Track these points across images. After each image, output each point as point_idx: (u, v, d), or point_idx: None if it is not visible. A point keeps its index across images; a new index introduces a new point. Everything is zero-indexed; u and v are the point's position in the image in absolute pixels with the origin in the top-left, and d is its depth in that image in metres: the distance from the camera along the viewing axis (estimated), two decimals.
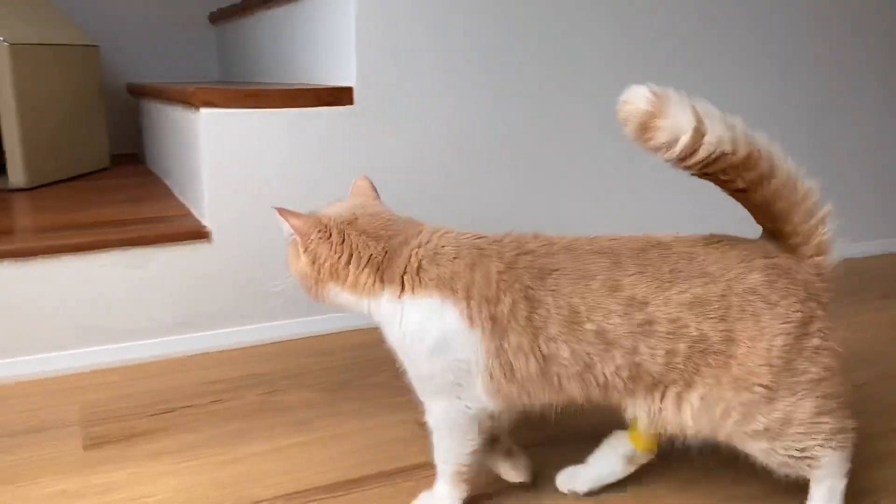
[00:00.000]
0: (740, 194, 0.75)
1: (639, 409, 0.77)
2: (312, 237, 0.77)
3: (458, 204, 1.45)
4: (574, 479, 0.88)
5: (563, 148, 1.53)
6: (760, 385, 0.73)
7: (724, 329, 0.73)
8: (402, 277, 0.76)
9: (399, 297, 0.76)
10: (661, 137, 0.67)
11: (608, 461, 0.87)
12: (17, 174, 1.65)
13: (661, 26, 1.56)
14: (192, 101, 1.25)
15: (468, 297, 0.74)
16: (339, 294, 0.78)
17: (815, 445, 0.76)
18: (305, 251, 0.77)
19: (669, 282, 0.73)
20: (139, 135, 2.27)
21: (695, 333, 0.72)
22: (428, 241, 0.77)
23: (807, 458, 0.77)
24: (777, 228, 0.77)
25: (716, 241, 0.78)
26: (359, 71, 1.34)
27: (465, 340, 0.74)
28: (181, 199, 1.55)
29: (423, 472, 0.92)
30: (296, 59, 1.62)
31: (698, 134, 0.67)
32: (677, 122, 0.66)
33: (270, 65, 1.85)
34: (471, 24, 1.40)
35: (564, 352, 0.73)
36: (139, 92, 2.05)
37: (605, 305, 0.73)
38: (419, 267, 0.76)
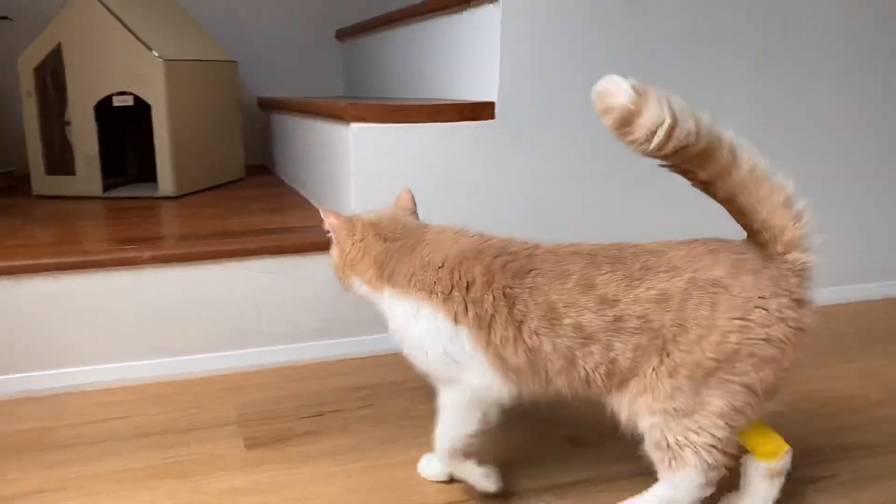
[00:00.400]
0: (705, 187, 0.76)
1: (615, 406, 0.80)
2: (343, 233, 0.89)
3: (597, 218, 1.44)
4: None
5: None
6: (701, 373, 0.74)
7: (679, 319, 0.75)
8: (399, 279, 0.85)
9: (394, 295, 0.85)
10: (639, 132, 0.69)
11: (756, 487, 0.84)
12: (166, 183, 1.75)
13: (795, 46, 1.51)
14: (343, 116, 1.30)
15: (448, 299, 0.81)
16: (360, 286, 0.89)
17: (690, 446, 0.76)
18: (337, 245, 0.90)
19: (638, 279, 0.76)
20: (267, 146, 2.36)
21: (656, 326, 0.75)
22: (426, 253, 0.85)
23: (675, 453, 0.77)
24: (746, 224, 0.77)
25: (693, 240, 0.80)
26: (501, 86, 1.36)
27: (450, 335, 0.82)
28: (317, 205, 1.60)
29: (578, 489, 0.92)
30: (432, 73, 1.66)
31: (671, 129, 0.69)
32: (655, 118, 0.68)
33: (402, 79, 1.89)
34: (612, 38, 1.39)
35: (547, 346, 0.78)
36: (272, 106, 2.14)
37: (579, 303, 0.77)
38: (413, 273, 0.84)
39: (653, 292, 0.75)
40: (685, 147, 0.70)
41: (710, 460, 0.76)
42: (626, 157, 1.44)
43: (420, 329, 0.83)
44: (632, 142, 0.70)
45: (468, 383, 0.83)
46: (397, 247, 0.87)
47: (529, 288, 0.79)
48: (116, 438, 1.06)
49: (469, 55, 1.46)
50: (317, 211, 1.57)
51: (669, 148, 0.70)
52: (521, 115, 1.38)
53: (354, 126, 1.30)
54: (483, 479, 0.90)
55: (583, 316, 0.77)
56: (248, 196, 1.81)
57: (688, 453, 0.76)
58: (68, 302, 1.20)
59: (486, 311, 0.80)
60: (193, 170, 1.83)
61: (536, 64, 1.37)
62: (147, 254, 1.23)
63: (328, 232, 0.91)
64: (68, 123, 1.79)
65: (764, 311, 0.73)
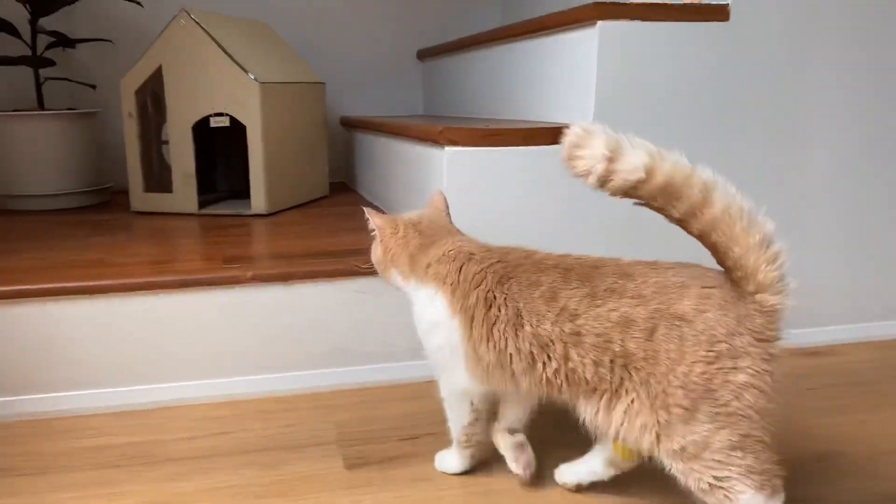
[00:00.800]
0: (681, 224, 0.79)
1: (581, 411, 0.84)
2: (387, 231, 0.99)
3: (687, 241, 1.42)
4: (562, 474, 0.99)
5: (793, 195, 1.46)
6: (677, 405, 0.77)
7: (647, 348, 0.78)
8: (421, 269, 0.95)
9: (417, 285, 0.95)
10: (580, 166, 0.76)
11: (593, 461, 0.96)
12: (259, 201, 1.80)
13: None
14: (438, 139, 1.31)
15: (453, 292, 0.90)
16: (396, 278, 0.99)
17: (732, 477, 0.77)
18: (381, 242, 1.00)
19: (602, 299, 0.81)
20: (349, 164, 2.41)
21: (618, 349, 0.79)
22: (446, 246, 0.95)
23: (722, 488, 0.78)
24: (720, 261, 0.80)
25: (668, 266, 0.83)
26: (596, 110, 1.35)
27: (448, 326, 0.91)
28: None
29: None
30: (522, 95, 1.66)
31: (611, 163, 0.75)
32: (593, 154, 0.75)
33: (487, 100, 1.90)
34: (707, 63, 1.37)
35: (511, 347, 0.85)
36: (356, 125, 2.18)
37: (540, 312, 0.84)
38: (429, 265, 0.94)
39: (615, 314, 0.80)
40: (637, 184, 0.76)
41: (752, 482, 0.78)
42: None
43: (431, 315, 0.93)
44: (577, 175, 0.77)
45: (455, 374, 0.93)
46: (427, 242, 0.97)
47: (505, 294, 0.87)
48: (221, 454, 1.09)
49: (563, 78, 1.46)
50: None
51: (617, 184, 0.76)
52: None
53: (449, 149, 1.31)
54: (511, 463, 1.00)
55: (542, 325, 0.83)
56: (335, 214, 1.84)
57: (733, 485, 0.78)
58: (173, 318, 1.24)
59: (470, 308, 0.89)
60: (283, 188, 1.88)
61: (631, 89, 1.36)
62: (249, 273, 1.26)
63: (372, 231, 1.01)
64: (166, 142, 1.86)
65: (726, 346, 0.77)
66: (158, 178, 1.86)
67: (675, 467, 0.80)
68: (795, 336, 1.52)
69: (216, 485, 1.00)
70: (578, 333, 0.81)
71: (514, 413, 1.01)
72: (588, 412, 0.83)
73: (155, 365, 1.25)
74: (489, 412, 0.99)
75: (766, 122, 1.43)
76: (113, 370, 1.24)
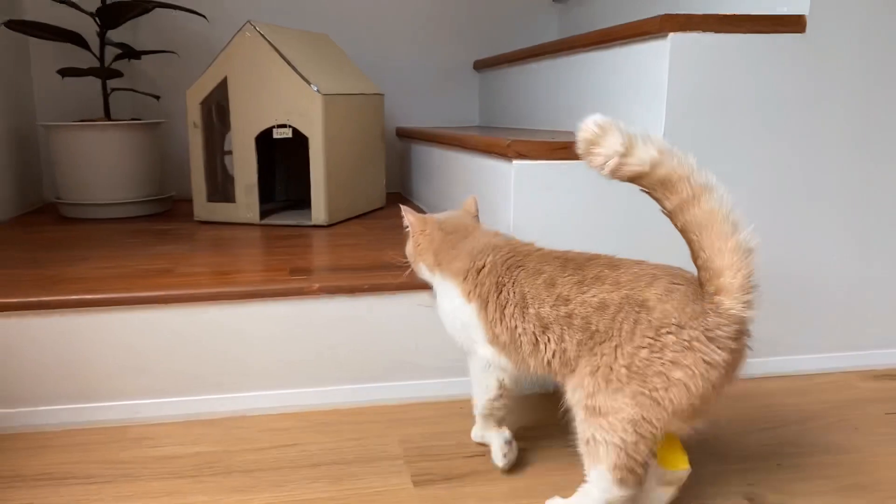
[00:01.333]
0: (669, 216, 0.85)
1: (567, 392, 0.91)
2: (417, 229, 1.12)
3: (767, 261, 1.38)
4: None
5: (875, 210, 1.41)
6: (616, 380, 0.85)
7: (609, 326, 0.86)
8: (444, 264, 1.07)
9: (440, 278, 1.08)
10: (596, 161, 0.83)
11: (651, 488, 0.94)
12: (319, 212, 1.81)
13: None
14: (506, 152, 1.30)
15: (466, 280, 1.02)
16: (424, 270, 1.12)
17: (608, 444, 0.85)
18: (412, 238, 1.13)
19: (588, 286, 0.89)
20: (404, 174, 2.41)
21: (593, 328, 0.87)
22: (465, 243, 1.07)
23: (595, 449, 0.86)
24: (693, 259, 0.84)
25: (652, 264, 0.90)
26: (667, 124, 1.33)
27: (465, 310, 1.02)
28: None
29: None
30: (586, 107, 1.64)
31: (623, 157, 0.81)
32: (608, 149, 0.81)
33: (548, 112, 1.89)
34: (782, 76, 1.34)
35: (519, 328, 0.94)
36: (414, 136, 2.18)
37: (541, 297, 0.92)
38: (449, 261, 1.06)
39: (595, 299, 0.88)
40: (639, 175, 0.82)
41: (617, 459, 0.85)
42: (792, 201, 1.39)
43: (449, 303, 1.05)
44: (594, 167, 0.83)
45: (478, 353, 1.03)
46: (450, 239, 1.08)
47: (513, 280, 0.97)
48: (290, 466, 1.09)
49: (630, 91, 1.43)
50: None
51: (625, 174, 0.82)
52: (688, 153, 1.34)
53: (517, 163, 1.30)
54: (498, 452, 1.07)
55: (543, 308, 0.92)
56: (394, 226, 1.84)
57: (600, 450, 0.86)
58: (241, 329, 1.25)
59: (485, 293, 0.99)
60: (343, 199, 1.89)
61: (703, 103, 1.33)
62: (316, 285, 1.26)
63: (406, 227, 1.13)
64: (228, 153, 1.88)
65: (673, 337, 0.82)
66: (221, 188, 1.89)
67: (577, 414, 0.89)
68: (871, 357, 1.48)
69: (287, 498, 1.00)
70: (570, 316, 0.89)
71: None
72: (568, 390, 0.91)
73: (223, 375, 1.26)
74: (514, 395, 1.07)
75: (845, 136, 1.39)
76: (183, 379, 1.25)
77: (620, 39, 1.45)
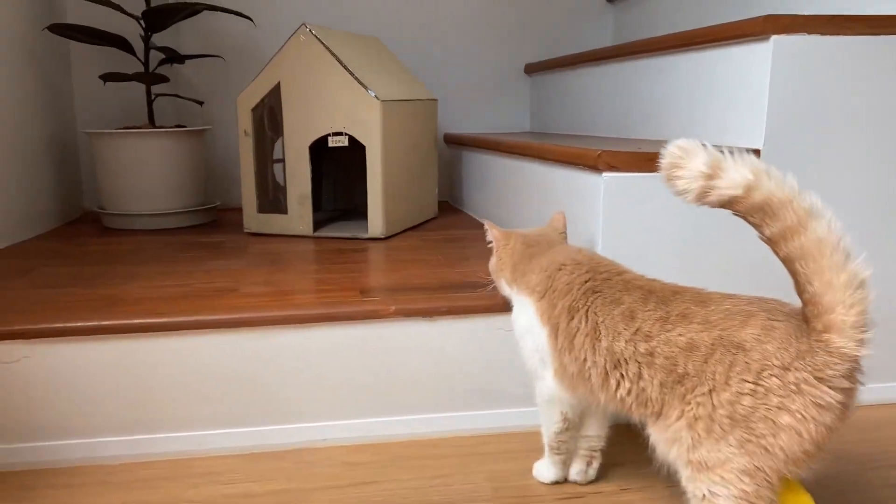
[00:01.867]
0: (770, 244, 0.77)
1: (651, 436, 0.84)
2: (501, 243, 1.09)
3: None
4: None
5: None
6: (719, 429, 0.77)
7: (701, 370, 0.78)
8: (519, 278, 1.03)
9: (516, 293, 1.04)
10: (679, 185, 0.77)
11: None
12: (377, 224, 1.72)
13: None
14: (596, 164, 1.20)
15: (541, 300, 0.96)
16: (504, 286, 1.08)
17: (728, 497, 0.77)
18: (495, 252, 1.10)
19: (673, 324, 0.82)
20: (453, 183, 2.32)
21: (680, 371, 0.80)
22: (543, 257, 1.01)
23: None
24: (798, 292, 0.76)
25: (746, 297, 0.82)
26: (768, 132, 1.23)
27: (539, 334, 0.96)
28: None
29: None
30: (663, 114, 1.55)
31: (709, 180, 0.74)
32: (691, 172, 0.75)
33: (613, 118, 1.79)
34: (892, 80, 1.24)
35: (589, 361, 0.88)
36: (464, 143, 2.09)
37: (617, 329, 0.85)
38: (525, 273, 1.02)
39: (683, 339, 0.80)
40: (733, 200, 0.74)
41: None
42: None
43: (523, 322, 1.00)
44: (678, 193, 0.77)
45: (545, 380, 0.98)
46: (529, 253, 1.04)
47: (587, 307, 0.90)
48: None
49: (723, 97, 1.34)
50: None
51: (714, 198, 0.75)
52: (790, 165, 1.24)
53: (607, 175, 1.20)
54: (573, 469, 1.05)
55: (617, 342, 0.85)
56: (453, 238, 1.75)
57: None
58: (311, 353, 1.16)
59: (556, 317, 0.92)
60: (399, 210, 1.80)
61: (808, 109, 1.23)
62: (392, 307, 1.17)
63: (489, 242, 1.11)
64: (278, 161, 1.80)
65: (778, 381, 0.74)
66: (272, 198, 1.80)
67: (682, 471, 0.81)
68: None
69: None
70: (651, 354, 0.82)
71: (593, 424, 1.04)
72: (654, 435, 0.84)
73: (292, 403, 1.17)
74: (580, 423, 1.03)
75: None
76: (249, 408, 1.16)
77: (714, 41, 1.35)
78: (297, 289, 1.28)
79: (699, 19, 1.98)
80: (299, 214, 1.75)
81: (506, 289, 1.08)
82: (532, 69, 2.36)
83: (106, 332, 1.11)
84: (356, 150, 1.75)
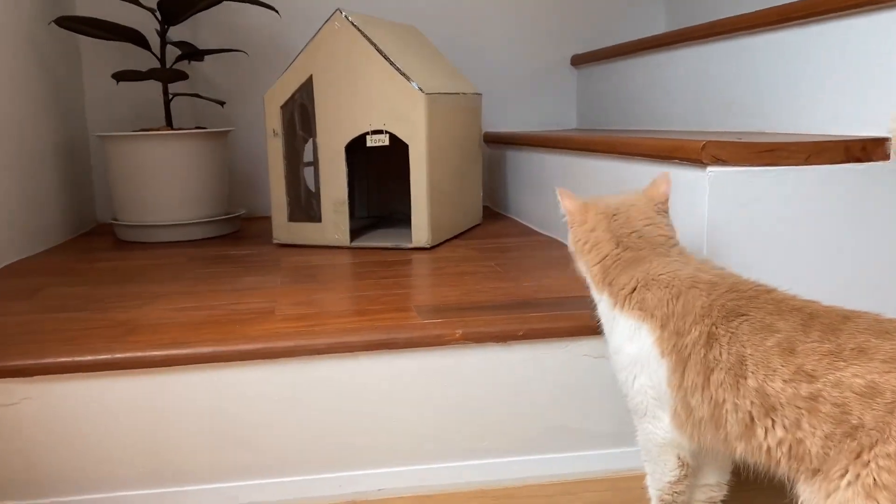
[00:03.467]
0: None
1: (802, 496, 0.67)
2: (577, 219, 0.89)
3: None
4: None
5: None
6: None
7: (885, 422, 0.61)
8: (620, 291, 0.82)
9: (613, 307, 0.83)
10: None
11: None
12: (421, 232, 1.53)
13: None
14: (700, 157, 1.01)
15: (663, 327, 0.76)
16: (586, 276, 0.89)
17: None
18: (570, 228, 0.90)
19: (846, 360, 0.64)
20: (495, 185, 2.13)
21: (854, 422, 0.62)
22: (655, 268, 0.80)
23: None
24: None
25: None
26: None
27: (656, 367, 0.77)
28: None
29: None
30: (753, 102, 1.35)
31: None
32: None
33: (692, 108, 1.60)
34: None
35: (728, 403, 0.70)
36: (510, 141, 1.91)
37: (772, 365, 0.67)
38: (634, 289, 0.80)
39: (860, 381, 0.62)
40: None
41: None
42: None
43: (634, 351, 0.80)
44: None
45: (660, 422, 0.79)
46: (627, 256, 0.83)
47: (731, 333, 0.71)
48: None
49: (838, 77, 1.14)
50: None
51: None
52: None
53: (712, 170, 1.01)
54: None
55: (772, 382, 0.67)
56: (509, 247, 1.56)
57: None
58: (364, 387, 0.98)
59: (687, 347, 0.74)
60: (445, 216, 1.61)
61: None
62: (458, 331, 0.99)
63: (563, 216, 0.91)
64: (308, 164, 1.61)
65: None
66: (304, 205, 1.62)
67: None
68: None
69: None
70: (815, 399, 0.64)
71: (713, 471, 0.85)
72: (808, 496, 0.66)
73: (343, 447, 0.98)
74: (697, 468, 0.84)
75: None
76: (293, 454, 0.97)
77: (821, 14, 1.16)
78: (342, 309, 1.10)
79: (764, 2, 1.78)
80: (334, 223, 1.57)
81: (587, 279, 0.89)
82: (580, 60, 2.16)
83: (121, 367, 0.93)
84: (394, 149, 1.56)
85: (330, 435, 0.98)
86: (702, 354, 0.73)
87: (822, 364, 0.65)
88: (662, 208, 0.88)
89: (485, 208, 2.15)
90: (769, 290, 0.75)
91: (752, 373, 0.69)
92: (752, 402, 0.68)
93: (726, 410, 0.71)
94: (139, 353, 0.93)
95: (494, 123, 2.23)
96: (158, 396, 0.94)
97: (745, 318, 0.71)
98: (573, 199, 0.90)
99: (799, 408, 0.65)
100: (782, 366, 0.67)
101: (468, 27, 2.16)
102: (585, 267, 0.89)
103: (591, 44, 2.21)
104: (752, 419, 0.69)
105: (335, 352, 0.96)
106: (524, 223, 1.86)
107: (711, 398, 0.72)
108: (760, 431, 0.68)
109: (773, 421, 0.67)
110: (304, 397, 0.97)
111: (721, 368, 0.71)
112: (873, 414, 0.61)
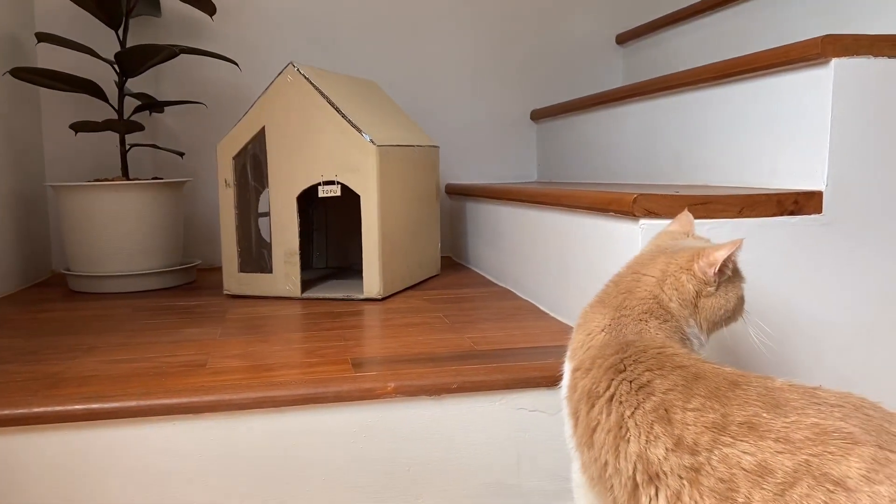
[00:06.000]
0: None
1: None
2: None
3: None
4: None
5: None
6: None
7: None
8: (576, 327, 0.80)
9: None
10: None
11: None
12: (373, 283, 1.52)
13: None
14: (632, 210, 1.02)
15: (571, 375, 0.75)
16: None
17: None
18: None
19: (733, 437, 0.59)
20: (455, 235, 2.13)
21: (741, 500, 0.57)
22: (597, 302, 0.79)
23: None
24: None
25: (834, 402, 0.59)
26: (831, 171, 1.05)
27: (565, 409, 0.76)
28: (558, 317, 1.32)
29: None
30: (696, 154, 1.37)
31: None
32: None
33: (642, 161, 1.62)
34: None
35: (610, 466, 0.66)
36: (468, 193, 1.92)
37: (652, 432, 0.63)
38: (577, 326, 0.79)
39: (750, 460, 0.58)
40: None
41: None
42: None
43: (562, 391, 0.79)
44: None
45: (574, 465, 0.76)
46: (599, 301, 0.81)
47: (612, 393, 0.68)
48: None
49: (772, 131, 1.16)
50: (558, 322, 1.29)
51: None
52: (858, 209, 1.06)
53: (644, 222, 1.02)
54: None
55: (653, 449, 0.63)
56: (461, 299, 1.55)
57: None
58: (292, 445, 0.96)
59: (577, 401, 0.72)
60: (398, 267, 1.60)
61: (879, 143, 1.05)
62: (391, 384, 0.97)
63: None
64: (263, 215, 1.61)
65: None
66: (256, 256, 1.61)
67: None
68: None
69: None
70: (696, 471, 0.60)
71: None
72: None
73: None
74: None
75: None
76: None
77: (758, 70, 1.18)
78: (277, 362, 1.08)
79: (720, 57, 1.82)
80: (285, 273, 1.56)
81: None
82: (539, 115, 2.19)
83: (39, 422, 0.90)
84: (350, 201, 1.56)
85: (258, 493, 0.95)
86: (584, 412, 0.70)
87: (705, 436, 0.61)
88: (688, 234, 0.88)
89: (446, 259, 2.15)
90: (661, 346, 0.70)
91: (633, 437, 0.65)
92: (634, 468, 0.64)
93: (609, 475, 0.67)
94: (57, 408, 0.90)
95: (458, 176, 2.25)
96: (82, 452, 0.91)
97: (623, 374, 0.68)
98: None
99: (681, 478, 0.61)
100: (663, 433, 0.63)
101: (431, 82, 2.19)
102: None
103: (552, 98, 2.25)
104: (635, 485, 0.64)
105: (261, 406, 0.94)
106: (482, 274, 1.86)
107: (596, 459, 0.69)
108: (644, 499, 0.64)
109: (655, 490, 0.63)
110: (231, 453, 0.94)
111: (602, 429, 0.68)
112: (764, 495, 0.57)
